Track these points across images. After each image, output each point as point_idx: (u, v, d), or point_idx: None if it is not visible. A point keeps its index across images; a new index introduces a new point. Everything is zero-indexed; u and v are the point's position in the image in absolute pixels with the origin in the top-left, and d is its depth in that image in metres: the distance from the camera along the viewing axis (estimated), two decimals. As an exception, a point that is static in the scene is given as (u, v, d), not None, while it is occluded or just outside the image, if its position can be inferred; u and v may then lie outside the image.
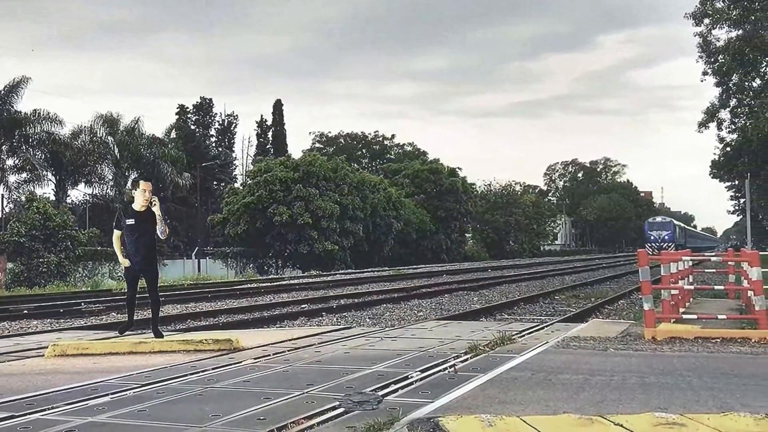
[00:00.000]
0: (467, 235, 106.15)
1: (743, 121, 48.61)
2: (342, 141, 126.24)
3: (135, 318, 14.44)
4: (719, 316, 15.18)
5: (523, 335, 13.75)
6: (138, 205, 13.68)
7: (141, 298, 14.37)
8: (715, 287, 20.29)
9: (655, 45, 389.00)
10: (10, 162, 67.41)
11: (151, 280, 13.90)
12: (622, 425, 6.35)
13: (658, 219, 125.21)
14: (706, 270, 28.84)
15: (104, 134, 71.08)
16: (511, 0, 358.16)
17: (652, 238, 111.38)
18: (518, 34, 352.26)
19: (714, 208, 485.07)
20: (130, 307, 14.27)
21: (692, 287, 19.68)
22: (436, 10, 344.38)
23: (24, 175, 67.67)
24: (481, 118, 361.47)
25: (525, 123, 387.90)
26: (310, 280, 45.08)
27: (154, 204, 13.75)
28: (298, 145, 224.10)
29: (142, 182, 13.92)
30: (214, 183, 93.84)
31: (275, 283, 40.70)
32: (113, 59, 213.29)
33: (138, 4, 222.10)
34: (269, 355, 11.41)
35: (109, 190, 71.63)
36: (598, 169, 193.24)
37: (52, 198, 65.22)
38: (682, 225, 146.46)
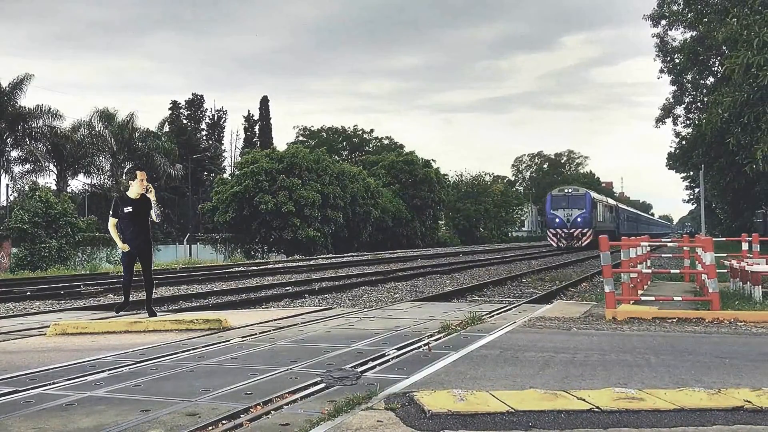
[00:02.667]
0: (440, 222, 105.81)
1: (697, 117, 48.82)
2: (324, 134, 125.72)
3: (130, 300, 14.39)
4: (675, 298, 15.25)
5: (493, 315, 13.75)
6: (134, 193, 13.66)
7: (135, 280, 14.30)
8: (672, 271, 20.32)
9: (613, 45, 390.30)
10: (14, 154, 67.51)
11: (146, 262, 13.88)
12: (584, 399, 6.35)
13: (568, 190, 75.16)
14: (663, 255, 28.91)
15: (102, 128, 70.97)
16: (480, 3, 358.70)
17: (557, 221, 71.39)
18: (487, 35, 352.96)
19: (671, 197, 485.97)
20: (126, 288, 14.24)
21: (650, 271, 19.73)
22: (410, 12, 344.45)
23: (27, 166, 67.80)
24: (453, 113, 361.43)
25: (493, 118, 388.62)
26: (294, 264, 44.97)
27: (150, 191, 13.73)
28: (282, 138, 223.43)
29: (138, 172, 13.90)
30: (205, 174, 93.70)
31: (261, 267, 40.53)
32: (110, 57, 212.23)
33: (134, 5, 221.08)
34: (255, 334, 11.38)
35: (106, 180, 71.63)
36: (562, 161, 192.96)
37: (54, 187, 65.21)
38: (615, 203, 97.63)
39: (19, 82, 64.37)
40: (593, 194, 76.14)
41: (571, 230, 69.58)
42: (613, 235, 67.00)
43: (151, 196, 13.68)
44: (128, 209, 13.63)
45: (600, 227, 73.48)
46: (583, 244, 68.29)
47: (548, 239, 73.05)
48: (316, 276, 31.66)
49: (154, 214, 13.80)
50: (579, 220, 69.72)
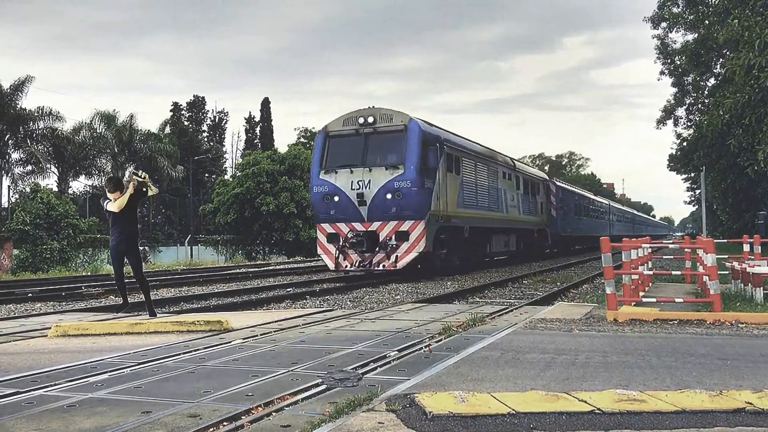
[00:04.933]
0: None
1: (698, 118, 48.73)
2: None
3: (132, 301, 14.40)
4: (677, 299, 15.24)
5: (494, 317, 13.74)
6: (115, 206, 13.71)
7: (132, 284, 14.33)
8: (673, 272, 20.32)
9: (614, 46, 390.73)
10: (15, 155, 67.64)
11: (133, 264, 13.91)
12: (585, 401, 6.34)
13: (369, 119, 29.45)
14: (664, 256, 28.92)
15: (103, 130, 71.08)
16: (480, 4, 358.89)
17: (334, 201, 29.19)
18: (487, 36, 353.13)
19: (672, 198, 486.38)
20: (121, 289, 14.35)
21: (651, 272, 19.74)
22: (410, 13, 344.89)
23: (29, 167, 67.78)
24: (453, 114, 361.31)
25: (494, 119, 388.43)
26: (295, 265, 45.00)
27: (131, 183, 13.76)
28: (284, 139, 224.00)
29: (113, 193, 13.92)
30: (206, 175, 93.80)
31: (262, 269, 40.57)
32: (111, 58, 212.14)
33: (134, 6, 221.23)
34: (257, 336, 11.38)
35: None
36: (563, 163, 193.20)
37: (55, 189, 65.38)
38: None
39: (20, 84, 64.45)
40: (456, 136, 34.45)
41: (372, 226, 28.75)
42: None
43: (130, 187, 13.72)
44: (110, 209, 13.71)
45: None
46: (401, 265, 28.27)
47: (318, 250, 30.38)
48: (317, 277, 31.63)
49: (150, 190, 13.93)
50: (393, 199, 28.43)
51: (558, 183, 59.96)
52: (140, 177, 13.95)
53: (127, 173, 13.90)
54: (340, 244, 29.07)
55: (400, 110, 29.89)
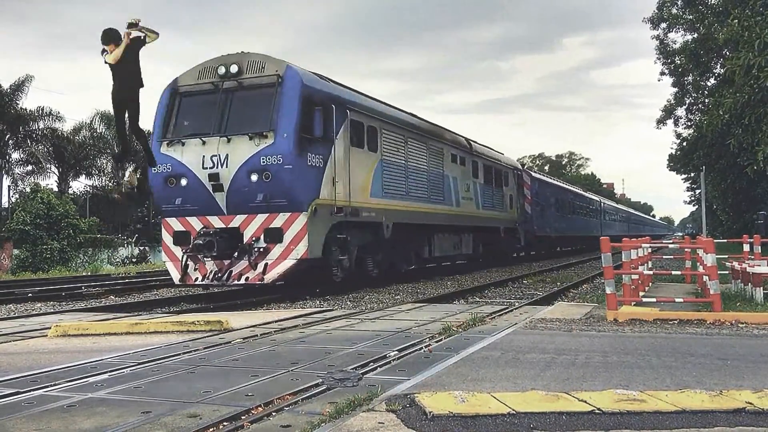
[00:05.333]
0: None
1: (698, 118, 48.72)
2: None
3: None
4: (677, 299, 15.23)
5: (494, 317, 13.73)
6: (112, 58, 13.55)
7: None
8: (673, 272, 20.32)
9: (614, 47, 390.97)
10: (15, 155, 67.66)
11: (132, 115, 13.87)
12: (585, 401, 6.34)
13: (232, 69, 20.99)
14: (664, 256, 28.91)
15: (103, 130, 71.08)
16: (480, 5, 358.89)
17: (181, 185, 20.63)
18: (487, 37, 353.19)
19: (672, 198, 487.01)
20: (120, 134, 14.44)
21: (651, 272, 19.74)
22: (410, 13, 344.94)
23: (29, 167, 67.75)
24: (453, 114, 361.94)
25: (494, 119, 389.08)
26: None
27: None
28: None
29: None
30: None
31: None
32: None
33: (134, 7, 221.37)
34: (257, 336, 11.38)
35: (108, 182, 71.64)
36: (563, 162, 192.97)
37: (55, 189, 65.26)
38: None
39: (20, 84, 64.37)
40: (374, 100, 26.86)
41: (234, 222, 20.53)
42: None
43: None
44: (108, 60, 13.64)
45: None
46: (270, 278, 20.14)
47: (163, 255, 22.15)
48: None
49: (149, 37, 13.77)
50: (260, 182, 19.99)
51: (534, 174, 53.09)
52: (134, 23, 13.77)
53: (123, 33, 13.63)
54: (190, 246, 20.55)
55: (280, 58, 21.23)
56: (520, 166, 48.90)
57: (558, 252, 63.21)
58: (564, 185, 67.00)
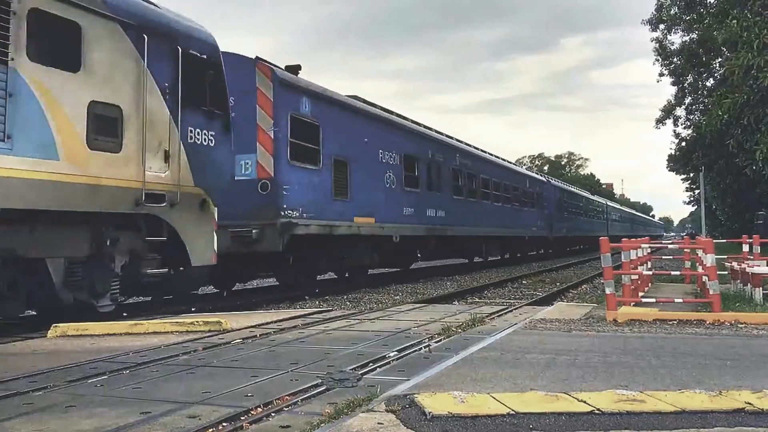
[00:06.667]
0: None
1: (697, 118, 48.77)
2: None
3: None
4: (676, 300, 15.24)
5: (493, 317, 13.75)
6: None
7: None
8: (673, 273, 20.32)
9: (613, 47, 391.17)
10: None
11: None
12: (585, 401, 6.33)
13: None
14: (663, 257, 28.94)
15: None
16: (480, 5, 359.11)
17: None
18: (487, 37, 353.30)
19: (671, 199, 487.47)
20: None
21: (651, 272, 19.75)
22: (410, 14, 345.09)
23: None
24: (453, 115, 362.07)
25: (494, 119, 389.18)
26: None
27: None
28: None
29: None
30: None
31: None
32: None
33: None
34: (256, 336, 11.37)
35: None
36: (563, 163, 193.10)
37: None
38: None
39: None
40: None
41: None
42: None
43: None
44: None
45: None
46: None
47: None
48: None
49: None
50: None
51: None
52: None
53: None
54: None
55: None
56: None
57: (566, 252, 65.48)
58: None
